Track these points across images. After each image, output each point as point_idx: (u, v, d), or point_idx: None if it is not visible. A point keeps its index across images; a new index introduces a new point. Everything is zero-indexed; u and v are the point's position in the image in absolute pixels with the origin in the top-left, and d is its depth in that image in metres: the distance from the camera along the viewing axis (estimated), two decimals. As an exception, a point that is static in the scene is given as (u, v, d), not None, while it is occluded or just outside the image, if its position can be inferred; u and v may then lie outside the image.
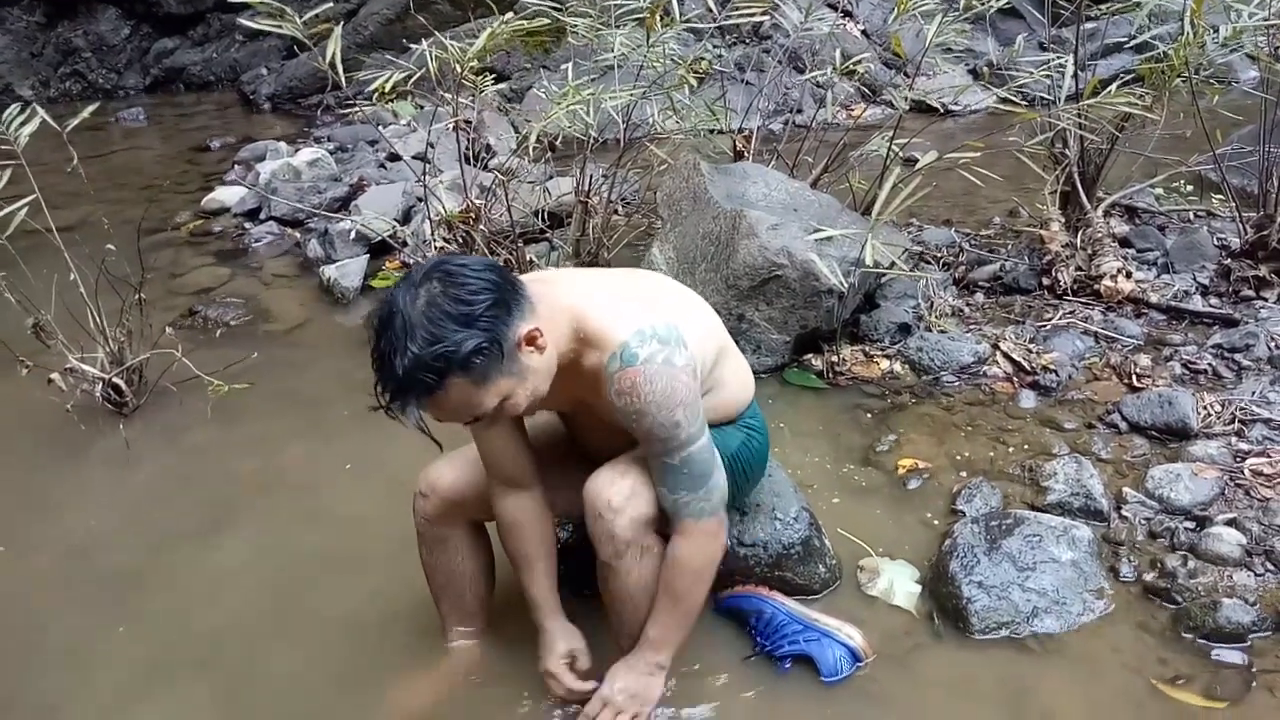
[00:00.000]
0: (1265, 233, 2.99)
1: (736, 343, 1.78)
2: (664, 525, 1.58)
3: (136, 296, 2.81)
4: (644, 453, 1.55)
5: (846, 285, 2.63)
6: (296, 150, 5.25)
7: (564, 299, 1.49)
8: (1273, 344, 2.70)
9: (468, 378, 1.34)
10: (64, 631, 2.01)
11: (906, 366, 2.81)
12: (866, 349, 2.89)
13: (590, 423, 1.69)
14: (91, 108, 2.74)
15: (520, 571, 1.72)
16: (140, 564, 2.21)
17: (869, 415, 2.62)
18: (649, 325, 1.46)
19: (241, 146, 5.72)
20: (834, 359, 2.82)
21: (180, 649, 1.94)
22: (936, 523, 2.16)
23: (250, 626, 1.99)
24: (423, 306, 1.32)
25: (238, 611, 2.03)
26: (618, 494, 1.53)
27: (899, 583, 1.98)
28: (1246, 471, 2.20)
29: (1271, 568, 1.93)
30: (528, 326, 1.39)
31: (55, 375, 2.65)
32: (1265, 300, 2.96)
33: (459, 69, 2.72)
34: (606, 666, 1.67)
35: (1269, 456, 2.24)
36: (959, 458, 2.39)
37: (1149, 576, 1.95)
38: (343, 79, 2.65)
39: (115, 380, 2.76)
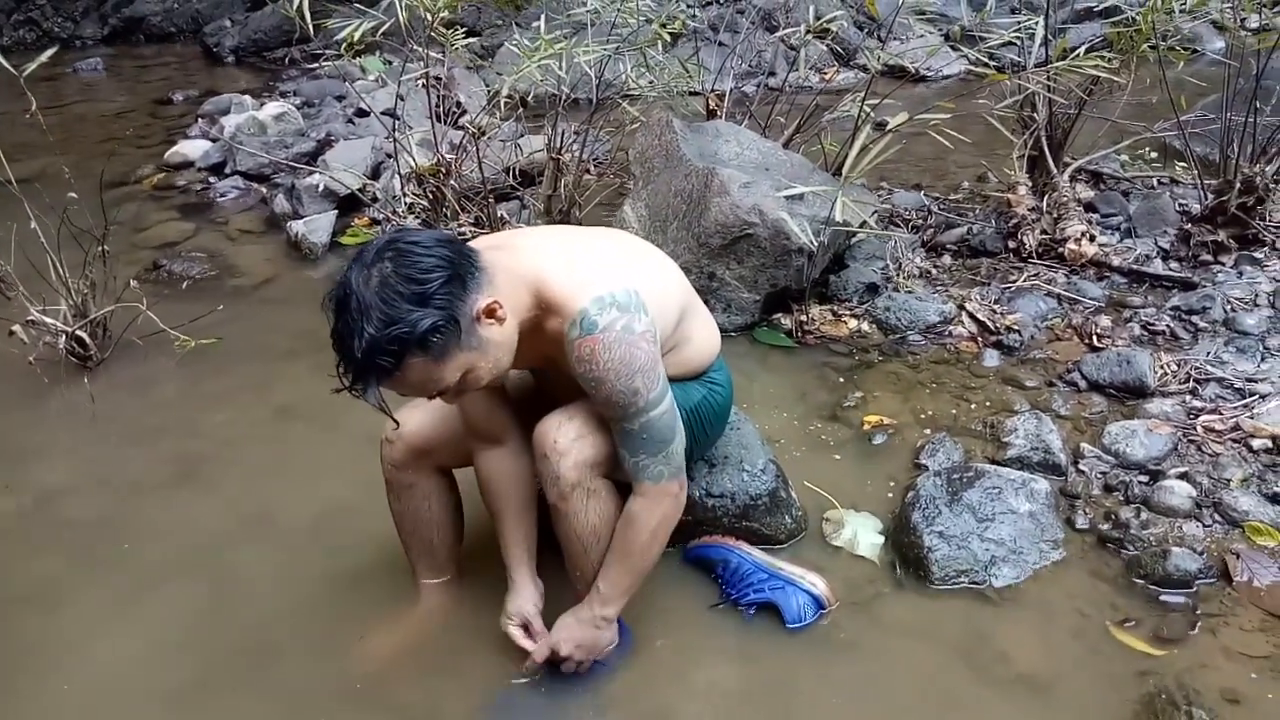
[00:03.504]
0: (1224, 199, 3.05)
1: (706, 301, 1.80)
2: (613, 471, 1.60)
3: (100, 249, 2.76)
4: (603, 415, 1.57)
5: (816, 244, 2.65)
6: (262, 104, 5.15)
7: (522, 266, 1.48)
8: (1228, 307, 2.77)
9: (426, 356, 1.34)
10: (27, 578, 2.01)
11: (874, 326, 2.85)
12: (835, 308, 2.92)
13: (559, 378, 1.71)
14: (49, 51, 2.66)
15: (495, 524, 1.75)
16: (107, 514, 2.20)
17: (836, 373, 2.66)
18: (608, 291, 1.46)
19: (205, 100, 5.59)
20: (803, 318, 2.85)
21: (147, 595, 1.94)
22: (900, 477, 2.21)
23: (218, 577, 2.00)
24: (376, 286, 1.31)
25: (205, 562, 2.04)
26: (563, 436, 1.55)
27: (862, 533, 2.03)
28: (1199, 428, 2.27)
29: (1219, 519, 2.00)
30: (485, 300, 1.39)
31: (17, 327, 2.61)
32: (1222, 265, 3.03)
33: (429, 19, 2.68)
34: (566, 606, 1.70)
35: (1220, 414, 2.31)
36: (923, 414, 2.44)
37: (1103, 527, 2.01)
38: (310, 28, 2.61)
39: (79, 333, 2.72)
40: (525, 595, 1.72)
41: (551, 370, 1.70)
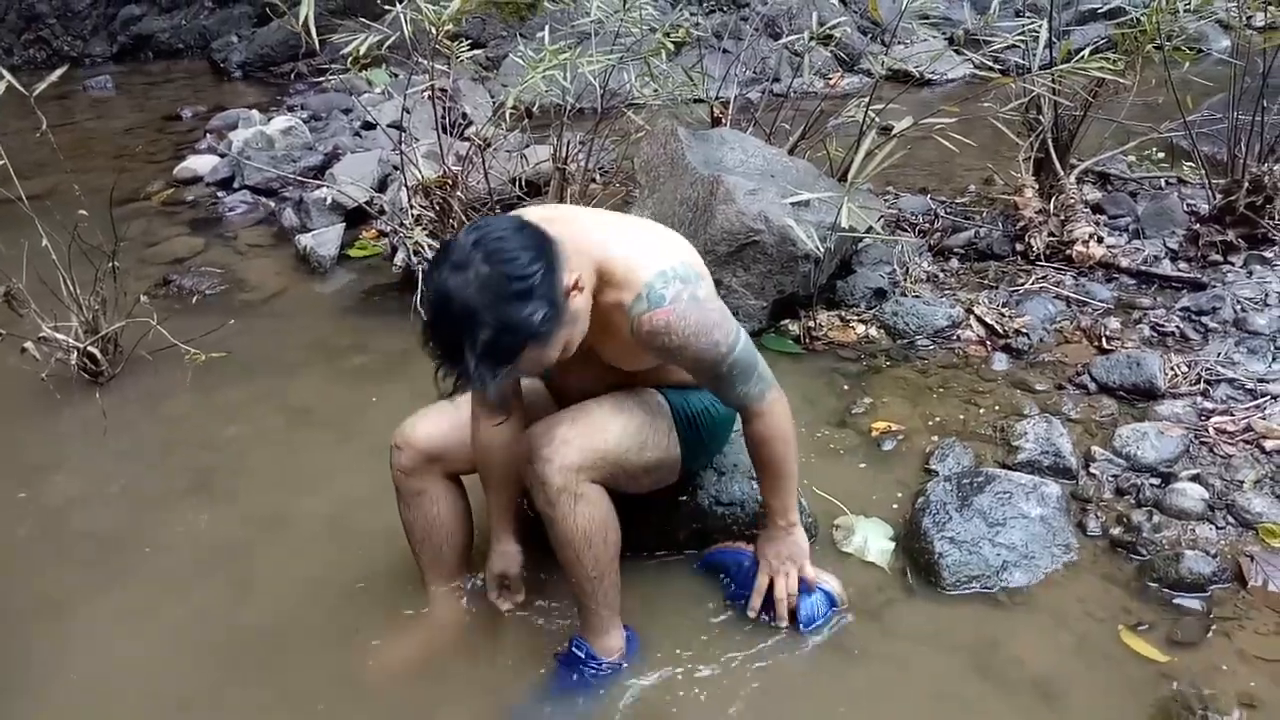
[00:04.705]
0: (1233, 199, 3.04)
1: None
2: (601, 476, 1.60)
3: (110, 265, 2.78)
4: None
5: (823, 250, 2.65)
6: (269, 119, 5.19)
7: (584, 239, 1.52)
8: (1238, 307, 2.76)
9: (537, 344, 1.38)
10: (42, 590, 2.02)
11: (882, 331, 2.84)
12: (843, 314, 2.92)
13: (572, 364, 1.72)
14: (60, 70, 2.70)
15: (484, 489, 1.81)
16: (120, 525, 2.21)
17: (845, 379, 2.65)
18: (669, 265, 1.53)
19: (213, 115, 5.63)
20: (810, 324, 2.84)
21: (161, 608, 1.95)
22: (910, 482, 2.20)
23: (231, 587, 2.00)
24: (477, 289, 1.32)
25: (218, 572, 2.05)
26: (548, 442, 1.57)
27: (873, 540, 2.02)
28: (1210, 430, 2.26)
29: (1232, 521, 1.99)
30: (571, 276, 1.43)
31: (29, 344, 2.63)
32: (1232, 264, 3.01)
33: (434, 32, 2.70)
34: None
35: (1232, 415, 2.30)
36: (932, 419, 2.44)
37: (1115, 531, 2.00)
38: (315, 43, 2.62)
39: (90, 349, 2.73)
40: (507, 555, 1.80)
41: (580, 355, 1.70)
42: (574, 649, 1.71)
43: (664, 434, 1.72)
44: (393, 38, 2.77)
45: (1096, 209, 3.44)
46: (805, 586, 1.80)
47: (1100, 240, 3.14)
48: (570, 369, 1.66)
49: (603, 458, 1.59)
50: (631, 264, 1.52)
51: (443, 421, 1.77)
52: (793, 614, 1.79)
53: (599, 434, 1.61)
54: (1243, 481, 2.08)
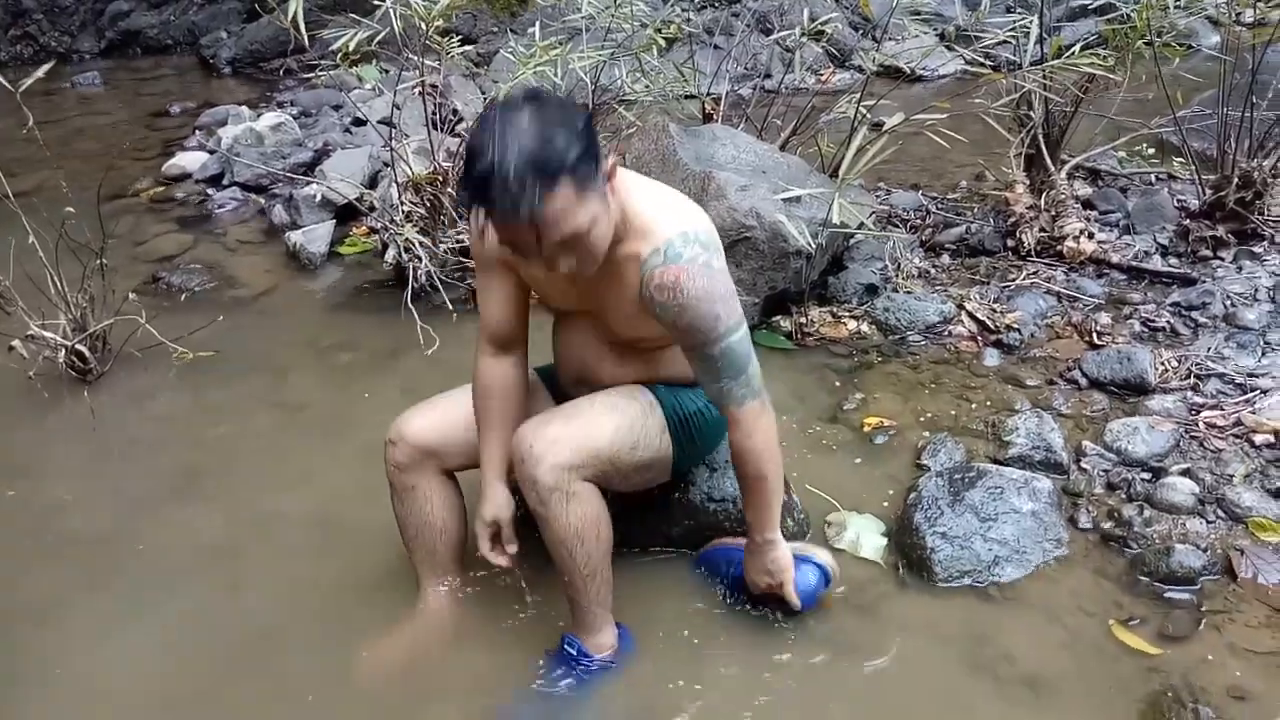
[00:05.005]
0: (1223, 194, 3.05)
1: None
2: (593, 475, 1.60)
3: (98, 262, 2.76)
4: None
5: (814, 246, 2.65)
6: (259, 115, 5.15)
7: (618, 184, 1.50)
8: (1228, 302, 2.77)
9: (574, 185, 1.35)
10: (30, 590, 2.01)
11: (873, 327, 2.84)
12: (834, 310, 2.92)
13: (574, 328, 1.74)
14: (46, 66, 2.68)
15: (478, 431, 1.75)
16: (109, 525, 2.20)
17: (836, 375, 2.65)
18: (691, 228, 1.53)
19: (202, 111, 5.59)
20: (802, 320, 2.84)
21: (150, 607, 1.94)
22: (902, 478, 2.20)
23: (221, 586, 2.00)
24: (526, 121, 1.32)
25: (208, 571, 2.04)
26: (539, 440, 1.56)
27: (865, 535, 2.03)
28: (1201, 424, 2.27)
29: (1222, 515, 2.00)
30: (608, 163, 1.44)
31: (16, 342, 2.61)
32: (1222, 260, 3.02)
33: (424, 27, 2.69)
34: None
35: (1222, 409, 2.31)
36: (924, 415, 2.44)
37: (1106, 525, 2.01)
38: (305, 38, 2.61)
39: (78, 347, 2.72)
40: (497, 501, 1.73)
41: (583, 322, 1.72)
42: (566, 646, 1.70)
43: (656, 434, 1.72)
44: (383, 33, 2.76)
45: (1087, 204, 3.45)
46: (799, 558, 1.79)
47: (1091, 236, 3.15)
48: (572, 332, 1.68)
49: (595, 456, 1.59)
50: (656, 218, 1.52)
51: (438, 416, 1.76)
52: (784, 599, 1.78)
53: (592, 433, 1.60)
54: (1233, 475, 2.09)
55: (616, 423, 1.64)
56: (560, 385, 1.85)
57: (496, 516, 1.73)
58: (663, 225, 1.52)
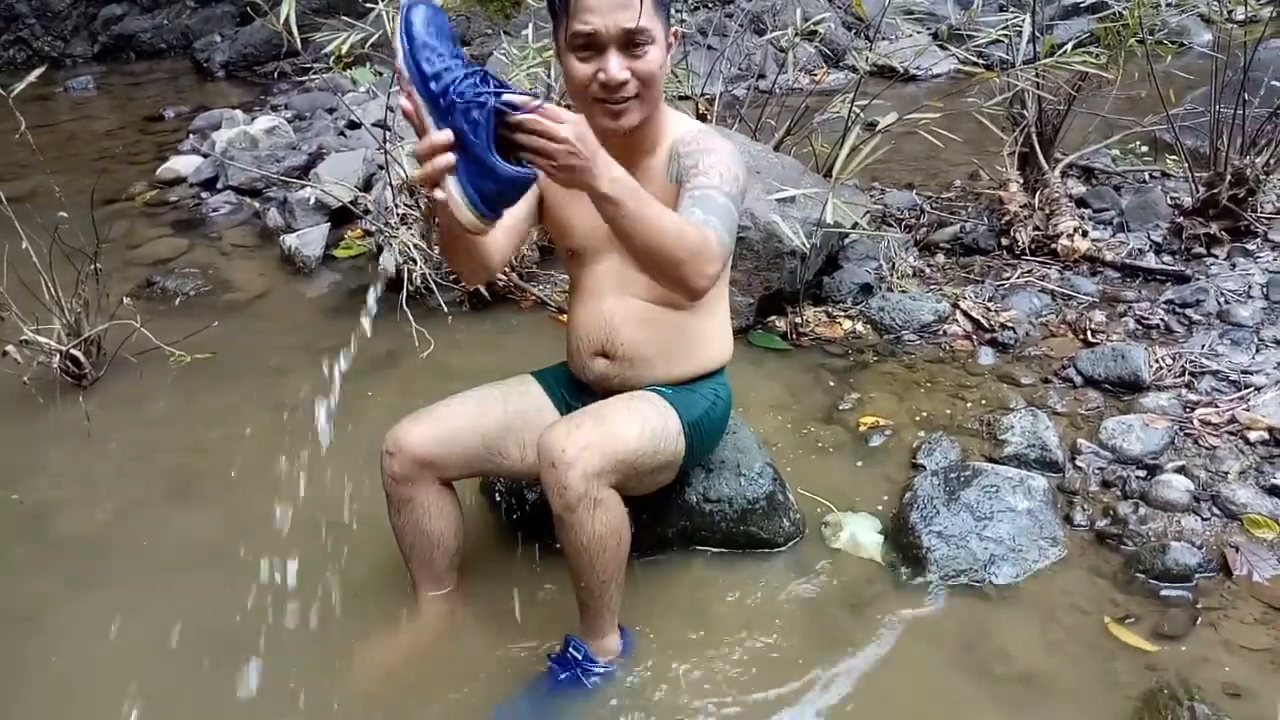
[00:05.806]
0: (1216, 191, 3.06)
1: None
2: (618, 481, 1.59)
3: (92, 267, 2.76)
4: (689, 187, 1.54)
5: (809, 246, 2.65)
6: (253, 118, 5.15)
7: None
8: (1222, 299, 2.77)
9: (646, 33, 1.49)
10: (27, 594, 2.00)
11: (868, 326, 2.85)
12: (829, 310, 2.92)
13: (603, 278, 1.76)
14: (39, 71, 2.68)
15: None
16: (103, 530, 2.19)
17: (832, 375, 2.65)
18: (730, 146, 1.65)
19: (196, 115, 5.59)
20: (797, 320, 2.85)
21: (144, 611, 1.94)
22: (898, 477, 2.20)
23: (215, 592, 1.99)
24: None
25: (202, 576, 2.03)
26: (571, 446, 1.52)
27: (861, 534, 2.03)
28: (1195, 421, 2.27)
29: (1217, 512, 2.00)
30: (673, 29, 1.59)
31: (10, 347, 2.60)
32: (1215, 257, 3.03)
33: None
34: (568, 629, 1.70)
35: (1216, 406, 2.31)
36: (919, 414, 2.44)
37: (1101, 523, 2.01)
38: (298, 41, 2.61)
39: (73, 352, 2.71)
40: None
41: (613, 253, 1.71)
42: (571, 650, 1.69)
43: (673, 437, 1.71)
44: (376, 35, 2.76)
45: (1081, 203, 3.46)
46: None
47: (1085, 234, 3.16)
48: (592, 291, 1.75)
49: (622, 461, 1.58)
50: (688, 120, 1.69)
51: (437, 426, 1.73)
52: None
53: (620, 439, 1.58)
54: (1227, 472, 2.09)
55: (640, 427, 1.63)
56: (576, 366, 1.82)
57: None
58: (694, 122, 1.70)
